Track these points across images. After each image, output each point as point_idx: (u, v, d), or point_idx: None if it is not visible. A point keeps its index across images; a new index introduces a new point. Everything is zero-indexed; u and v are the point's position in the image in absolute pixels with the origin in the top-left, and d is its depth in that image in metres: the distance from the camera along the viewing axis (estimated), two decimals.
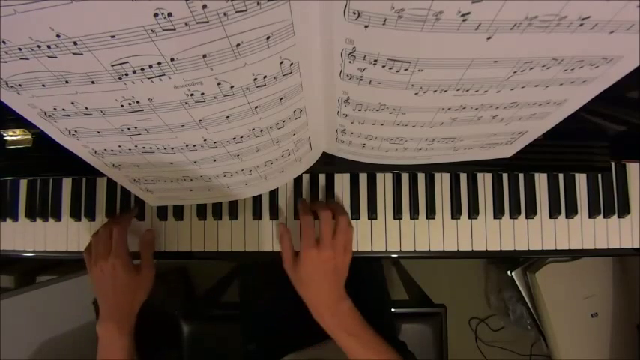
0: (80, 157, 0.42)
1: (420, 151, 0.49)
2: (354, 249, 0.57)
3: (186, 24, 0.25)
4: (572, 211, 0.59)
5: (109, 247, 0.52)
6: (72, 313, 1.03)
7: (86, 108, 0.34)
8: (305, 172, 0.55)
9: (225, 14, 0.25)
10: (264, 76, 0.33)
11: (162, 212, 0.60)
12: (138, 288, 0.54)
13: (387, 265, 1.24)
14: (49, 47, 0.26)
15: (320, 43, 0.32)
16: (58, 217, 0.61)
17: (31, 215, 0.61)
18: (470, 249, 0.59)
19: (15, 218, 0.62)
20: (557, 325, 1.10)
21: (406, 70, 0.32)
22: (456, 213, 0.59)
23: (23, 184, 0.62)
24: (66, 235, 0.61)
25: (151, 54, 0.28)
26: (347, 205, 0.59)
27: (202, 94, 0.32)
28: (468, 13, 0.25)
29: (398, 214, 0.59)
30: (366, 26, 0.28)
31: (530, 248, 0.59)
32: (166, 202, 0.58)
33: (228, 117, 0.36)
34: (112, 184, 0.61)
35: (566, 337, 1.10)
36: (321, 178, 0.60)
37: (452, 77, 0.33)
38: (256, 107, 0.36)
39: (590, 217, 0.59)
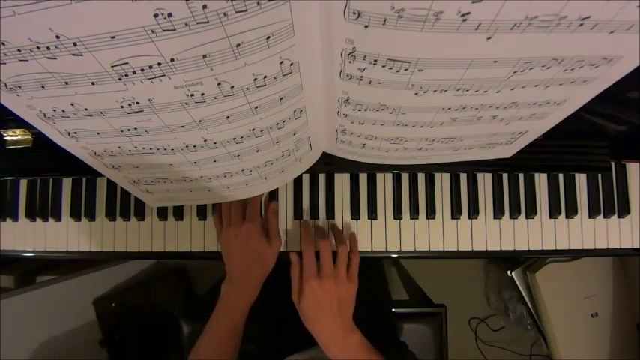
0: (80, 158, 0.42)
1: (420, 151, 0.49)
2: None
3: (186, 24, 0.25)
4: (572, 211, 0.59)
5: (243, 213, 0.53)
6: (72, 313, 1.03)
7: (86, 109, 0.33)
8: (305, 172, 0.55)
9: (225, 14, 0.25)
10: (265, 77, 0.33)
11: (162, 212, 0.60)
12: (268, 256, 0.54)
13: (387, 265, 1.24)
14: (48, 48, 0.26)
15: (320, 44, 0.32)
16: (58, 217, 0.61)
17: (31, 215, 0.61)
18: (470, 249, 0.59)
19: (15, 218, 0.62)
20: (557, 325, 1.10)
21: (406, 70, 0.32)
22: (456, 213, 0.59)
23: (23, 184, 0.62)
24: (66, 235, 0.61)
25: (151, 54, 0.28)
26: (347, 205, 0.59)
27: (202, 94, 0.32)
28: (468, 13, 0.25)
29: (398, 214, 0.59)
30: (366, 26, 0.28)
31: (530, 248, 0.59)
32: (166, 203, 0.58)
33: (228, 117, 0.36)
34: (112, 184, 0.61)
35: (566, 337, 1.10)
36: (321, 178, 0.60)
37: (452, 77, 0.33)
38: (256, 107, 0.36)
39: (590, 217, 0.59)
